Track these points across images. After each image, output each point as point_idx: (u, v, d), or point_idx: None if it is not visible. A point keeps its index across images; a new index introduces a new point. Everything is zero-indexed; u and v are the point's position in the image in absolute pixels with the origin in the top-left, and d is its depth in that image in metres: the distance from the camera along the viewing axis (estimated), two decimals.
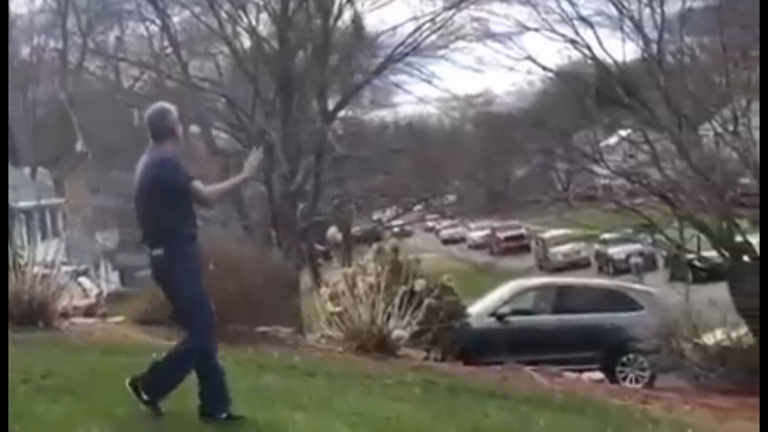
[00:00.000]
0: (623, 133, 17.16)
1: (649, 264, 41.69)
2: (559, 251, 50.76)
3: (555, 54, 15.23)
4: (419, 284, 13.70)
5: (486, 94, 52.39)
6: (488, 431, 9.31)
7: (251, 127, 31.35)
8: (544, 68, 14.37)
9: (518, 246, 57.91)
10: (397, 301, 13.15)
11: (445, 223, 73.57)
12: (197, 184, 7.10)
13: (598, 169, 15.95)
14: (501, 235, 62.66)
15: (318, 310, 13.74)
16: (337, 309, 12.76)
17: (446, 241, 75.53)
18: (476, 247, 67.92)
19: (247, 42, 33.24)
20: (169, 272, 7.16)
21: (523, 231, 60.64)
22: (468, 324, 16.69)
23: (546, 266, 49.74)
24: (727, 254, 14.06)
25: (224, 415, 7.36)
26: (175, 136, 7.33)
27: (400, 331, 12.89)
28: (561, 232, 44.94)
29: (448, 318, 15.40)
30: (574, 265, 48.83)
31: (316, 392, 9.75)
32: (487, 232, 65.09)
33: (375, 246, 14.98)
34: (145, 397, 7.22)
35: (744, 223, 14.13)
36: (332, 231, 29.12)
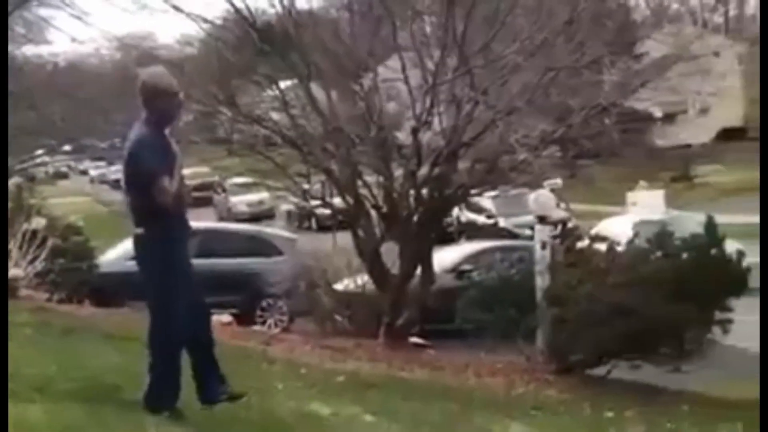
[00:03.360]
0: (284, 84, 17.37)
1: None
2: (243, 201, 47.00)
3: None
4: (38, 223, 13.28)
5: (150, 37, 51.45)
6: (96, 370, 9.18)
7: None
8: (176, 8, 14.21)
9: (208, 196, 50.94)
10: (17, 240, 12.73)
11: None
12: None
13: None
14: (189, 183, 58.27)
15: None
16: None
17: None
18: None
19: None
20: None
21: (215, 179, 53.00)
22: (97, 266, 16.38)
23: (228, 218, 45.67)
24: (351, 202, 14.59)
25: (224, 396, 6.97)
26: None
27: (15, 270, 12.47)
28: (242, 180, 40.98)
29: (74, 259, 15.04)
30: (259, 217, 44.39)
31: None
32: None
33: None
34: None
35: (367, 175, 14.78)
36: None
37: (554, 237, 15.15)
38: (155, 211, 6.59)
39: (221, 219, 45.26)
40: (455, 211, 33.30)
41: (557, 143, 15.40)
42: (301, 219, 40.90)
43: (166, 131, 6.76)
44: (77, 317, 12.86)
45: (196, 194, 55.63)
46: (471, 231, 32.14)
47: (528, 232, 28.02)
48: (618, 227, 21.02)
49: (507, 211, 30.55)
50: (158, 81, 6.74)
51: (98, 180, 72.68)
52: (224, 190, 49.53)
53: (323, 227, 33.78)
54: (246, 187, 41.57)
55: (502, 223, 31.72)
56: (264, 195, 44.19)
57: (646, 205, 23.74)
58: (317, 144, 14.46)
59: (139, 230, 6.74)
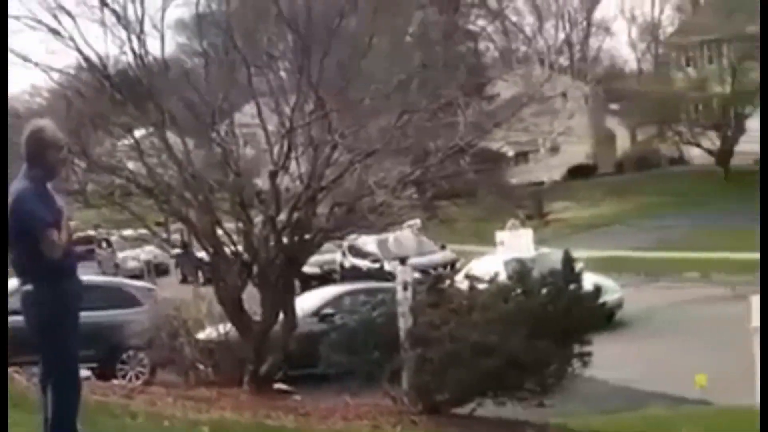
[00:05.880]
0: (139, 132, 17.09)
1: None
2: (131, 255, 44.35)
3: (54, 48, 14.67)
4: None
5: None
6: None
7: None
8: (25, 59, 13.82)
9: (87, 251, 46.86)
10: None
11: None
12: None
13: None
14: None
15: None
16: None
17: None
18: None
19: None
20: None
21: (91, 232, 46.83)
22: None
23: (117, 273, 42.67)
24: (211, 249, 14.43)
25: None
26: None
27: None
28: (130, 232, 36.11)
29: None
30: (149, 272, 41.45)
31: None
32: None
33: None
34: None
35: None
36: None
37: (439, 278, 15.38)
38: (44, 267, 6.40)
39: (105, 275, 42.32)
40: (338, 256, 33.32)
41: (415, 184, 15.55)
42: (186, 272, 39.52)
43: (49, 185, 6.60)
44: None
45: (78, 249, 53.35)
46: (355, 276, 31.94)
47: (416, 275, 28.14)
48: (489, 266, 21.30)
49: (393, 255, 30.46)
50: (45, 134, 6.58)
51: None
52: (109, 245, 47.66)
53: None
54: (135, 241, 38.23)
55: (388, 266, 31.63)
56: (155, 250, 42.00)
57: (515, 244, 24.21)
58: (174, 192, 14.27)
59: (28, 287, 6.53)
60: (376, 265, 31.79)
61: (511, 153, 51.80)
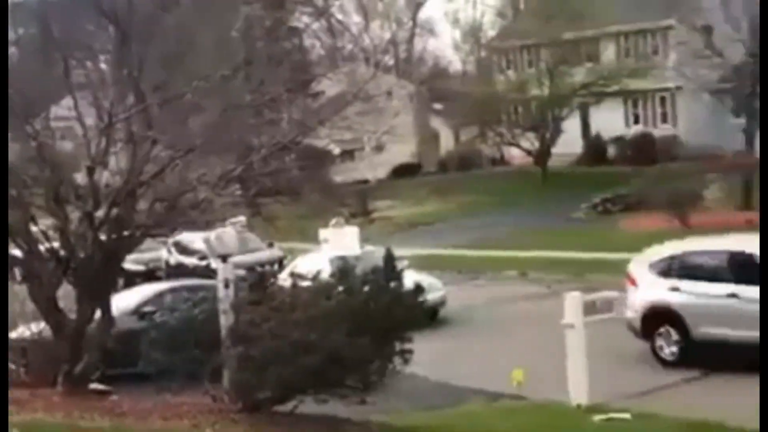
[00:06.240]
0: None
1: None
2: None
3: None
4: None
5: None
6: None
7: None
8: None
9: None
10: None
11: None
12: None
13: None
14: None
15: None
16: None
17: None
18: None
19: None
20: None
21: None
22: None
23: None
24: (24, 246, 13.97)
25: None
26: None
27: None
28: None
29: None
30: None
31: None
32: None
33: None
34: None
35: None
36: None
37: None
38: None
39: None
40: (164, 253, 32.63)
41: (238, 181, 15.43)
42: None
43: None
44: None
45: None
46: (181, 273, 31.20)
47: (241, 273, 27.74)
48: (314, 264, 21.25)
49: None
50: None
51: None
52: None
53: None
54: None
55: (214, 264, 30.93)
56: None
57: (339, 241, 24.20)
58: None
59: None
60: (203, 263, 31.32)
61: (336, 151, 52.03)
